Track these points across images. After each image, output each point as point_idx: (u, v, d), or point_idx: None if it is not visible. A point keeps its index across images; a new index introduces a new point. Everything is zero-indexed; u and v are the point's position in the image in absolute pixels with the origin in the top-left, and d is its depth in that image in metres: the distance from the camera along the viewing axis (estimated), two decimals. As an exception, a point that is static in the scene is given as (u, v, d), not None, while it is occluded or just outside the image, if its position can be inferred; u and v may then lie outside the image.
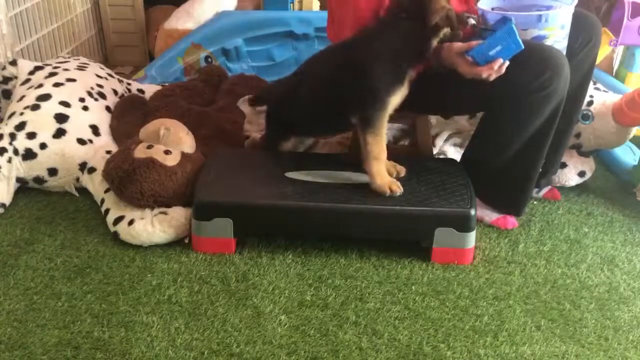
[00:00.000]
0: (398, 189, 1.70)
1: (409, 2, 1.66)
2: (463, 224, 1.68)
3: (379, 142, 1.69)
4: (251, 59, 2.79)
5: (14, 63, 2.19)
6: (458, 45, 1.64)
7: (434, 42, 1.66)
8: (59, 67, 2.19)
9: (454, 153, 2.16)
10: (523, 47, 1.57)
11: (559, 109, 1.72)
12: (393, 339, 1.45)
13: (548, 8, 1.77)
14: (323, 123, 1.88)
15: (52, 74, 2.13)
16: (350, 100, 1.71)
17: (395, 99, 1.69)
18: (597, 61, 1.95)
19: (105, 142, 2.05)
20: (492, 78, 1.62)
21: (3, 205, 1.88)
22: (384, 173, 1.72)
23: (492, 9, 1.78)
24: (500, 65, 1.60)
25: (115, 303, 1.53)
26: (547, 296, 1.61)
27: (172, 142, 1.84)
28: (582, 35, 1.82)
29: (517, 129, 1.75)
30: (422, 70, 1.71)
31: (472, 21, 1.65)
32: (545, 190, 2.04)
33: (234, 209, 1.70)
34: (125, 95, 2.31)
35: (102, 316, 1.48)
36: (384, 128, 1.70)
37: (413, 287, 1.62)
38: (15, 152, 1.92)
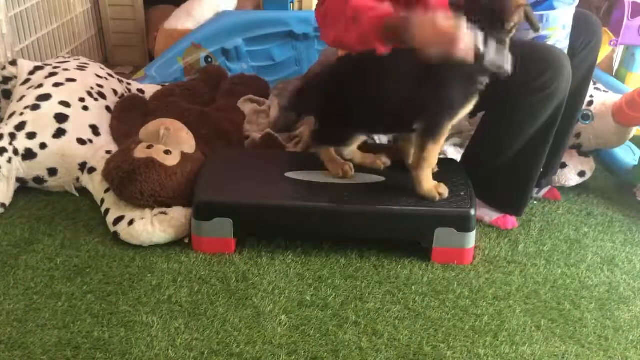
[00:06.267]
0: (445, 191, 1.69)
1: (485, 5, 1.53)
2: (463, 224, 1.68)
3: (437, 150, 1.67)
4: (251, 59, 2.79)
5: (14, 63, 2.19)
6: None
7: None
8: (59, 67, 2.19)
9: (454, 153, 2.15)
10: None
11: (560, 109, 1.72)
12: (393, 339, 1.45)
13: (549, 8, 1.78)
14: (382, 121, 1.73)
15: (52, 74, 2.13)
16: (419, 107, 1.63)
17: (466, 110, 1.64)
18: (597, 61, 1.95)
19: (105, 142, 2.05)
20: None
21: (3, 205, 1.87)
22: (430, 178, 1.70)
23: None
24: None
25: (115, 303, 1.53)
26: (547, 296, 1.61)
27: (172, 142, 1.84)
28: (583, 35, 1.82)
29: (517, 129, 1.75)
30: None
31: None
32: (545, 190, 2.04)
33: (234, 209, 1.70)
34: (125, 95, 2.31)
35: (102, 316, 1.48)
36: (445, 137, 1.67)
37: (413, 287, 1.62)
38: (15, 152, 1.92)
